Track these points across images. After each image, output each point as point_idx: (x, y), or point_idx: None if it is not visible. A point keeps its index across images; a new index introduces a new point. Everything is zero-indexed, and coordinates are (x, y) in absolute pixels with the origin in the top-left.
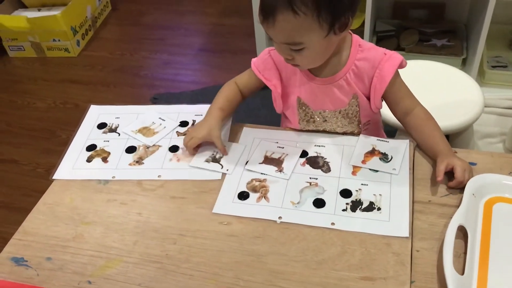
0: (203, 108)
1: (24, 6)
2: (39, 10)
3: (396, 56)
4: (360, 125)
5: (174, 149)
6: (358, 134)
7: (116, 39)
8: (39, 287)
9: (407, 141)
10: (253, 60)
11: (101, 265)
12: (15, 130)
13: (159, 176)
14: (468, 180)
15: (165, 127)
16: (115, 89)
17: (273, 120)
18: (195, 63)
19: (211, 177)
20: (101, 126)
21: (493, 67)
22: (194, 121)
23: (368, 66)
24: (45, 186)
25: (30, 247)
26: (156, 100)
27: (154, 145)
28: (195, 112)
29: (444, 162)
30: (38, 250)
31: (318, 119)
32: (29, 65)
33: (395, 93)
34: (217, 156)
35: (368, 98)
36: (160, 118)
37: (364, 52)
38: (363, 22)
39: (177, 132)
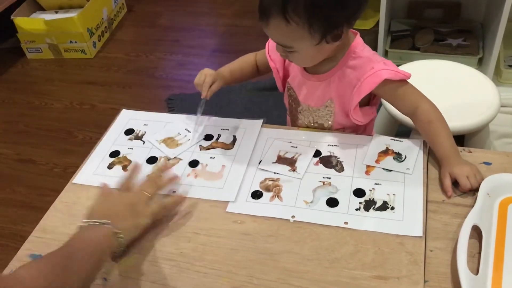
0: (230, 122)
1: (41, 9)
2: (56, 12)
3: (380, 73)
4: (332, 128)
5: (194, 164)
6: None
7: (132, 40)
8: None
9: (421, 140)
10: (268, 42)
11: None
12: (32, 130)
13: (173, 191)
14: (477, 183)
15: (189, 139)
16: (131, 90)
17: (286, 121)
18: (210, 64)
19: (225, 198)
20: (128, 132)
21: (510, 66)
22: (219, 135)
23: (354, 76)
24: (62, 186)
25: (48, 244)
26: (171, 101)
27: (175, 157)
28: (222, 126)
29: (447, 177)
30: (55, 247)
31: (298, 107)
32: (47, 66)
33: (386, 98)
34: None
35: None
36: (186, 129)
37: (355, 60)
38: (378, 22)
39: (200, 146)
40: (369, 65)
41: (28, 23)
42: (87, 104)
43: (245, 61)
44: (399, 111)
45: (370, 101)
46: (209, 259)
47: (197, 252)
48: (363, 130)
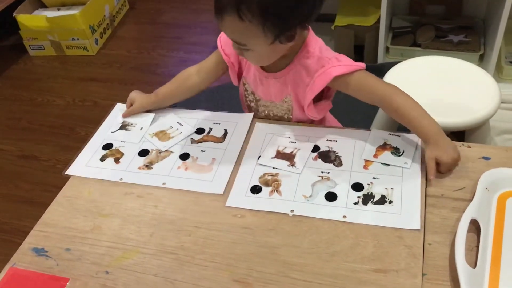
0: (222, 116)
1: (44, 6)
2: (58, 9)
3: (330, 71)
4: (291, 120)
5: (184, 157)
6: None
7: (134, 37)
8: (59, 277)
9: None
10: (219, 37)
11: (118, 256)
12: (35, 127)
13: (163, 183)
14: (455, 165)
15: (181, 132)
16: (133, 87)
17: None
18: None
19: (213, 190)
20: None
21: (511, 62)
22: (210, 128)
23: (306, 74)
24: (65, 182)
25: (50, 238)
26: None
27: (166, 150)
28: (213, 119)
29: (432, 160)
30: (57, 241)
31: (256, 102)
32: (49, 63)
33: (358, 93)
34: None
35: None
36: (178, 122)
37: (309, 60)
38: (379, 19)
39: (191, 139)
40: (320, 63)
41: (30, 20)
42: (89, 100)
43: (179, 81)
44: (368, 101)
45: (324, 94)
46: (209, 253)
47: (198, 246)
48: (318, 123)
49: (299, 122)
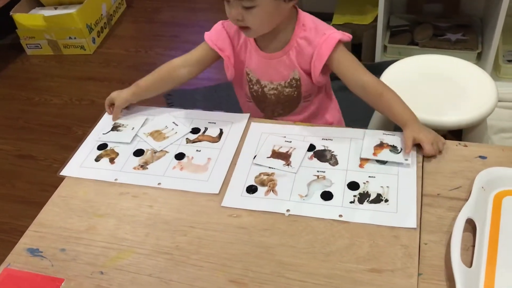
0: (217, 116)
1: (41, 5)
2: (55, 8)
3: (333, 36)
4: (301, 97)
5: (179, 156)
6: (297, 105)
7: (131, 36)
8: (53, 277)
9: None
10: (206, 33)
11: (113, 256)
12: (32, 126)
13: (159, 183)
14: (441, 150)
15: (176, 132)
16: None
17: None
18: None
19: (209, 190)
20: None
21: (509, 61)
22: (206, 128)
23: (308, 45)
24: (61, 181)
25: (45, 239)
26: (170, 96)
27: (161, 150)
28: (209, 119)
29: (410, 139)
30: (52, 241)
31: (264, 88)
32: (46, 62)
33: (339, 69)
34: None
35: (309, 74)
36: (173, 122)
37: (306, 32)
38: (376, 17)
39: (187, 139)
40: (319, 32)
41: (27, 19)
42: (86, 100)
43: (161, 72)
44: (348, 85)
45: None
46: (204, 253)
47: (193, 246)
48: (324, 90)
49: (308, 96)
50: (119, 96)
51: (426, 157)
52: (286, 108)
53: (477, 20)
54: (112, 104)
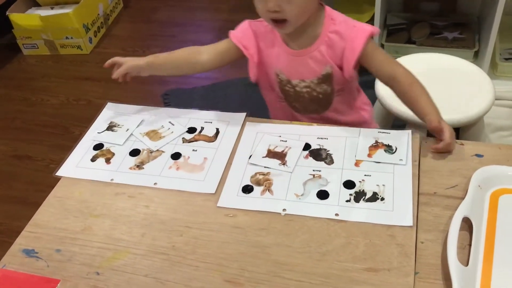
0: (214, 115)
1: (37, 5)
2: (52, 8)
3: (364, 28)
4: (334, 92)
5: (175, 156)
6: (331, 101)
7: (128, 36)
8: (49, 278)
9: (409, 131)
10: (231, 31)
11: (109, 257)
12: (29, 126)
13: (155, 183)
14: (452, 149)
15: (172, 132)
16: (127, 86)
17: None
18: None
19: (205, 190)
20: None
21: (506, 59)
22: (202, 128)
23: (339, 39)
24: (58, 182)
25: (41, 239)
26: (167, 96)
27: (157, 150)
28: (205, 118)
29: (437, 120)
30: (48, 242)
31: (296, 87)
32: (43, 62)
33: (371, 61)
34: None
35: (341, 68)
36: (170, 122)
37: (336, 25)
38: (373, 16)
39: (183, 138)
40: (349, 24)
41: (23, 19)
42: (83, 100)
43: (183, 53)
44: (379, 77)
45: None
46: (201, 253)
47: (189, 246)
48: (355, 87)
49: (341, 90)
50: (132, 59)
51: (435, 151)
52: (321, 106)
53: (474, 19)
54: (114, 65)
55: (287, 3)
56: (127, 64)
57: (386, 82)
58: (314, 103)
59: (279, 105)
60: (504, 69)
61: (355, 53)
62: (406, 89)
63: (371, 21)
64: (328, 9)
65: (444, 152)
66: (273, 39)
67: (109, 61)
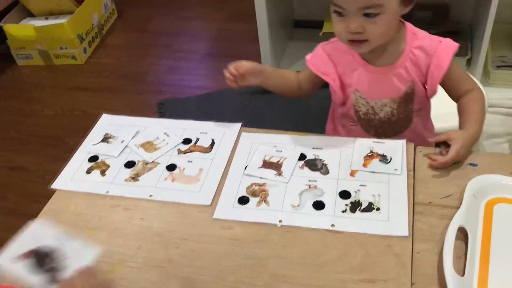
0: (209, 125)
1: (31, 15)
2: (46, 18)
3: (451, 43)
4: (413, 112)
5: (171, 168)
6: (410, 122)
7: (123, 45)
8: None
9: (403, 141)
10: (307, 57)
11: (105, 271)
12: (23, 137)
13: (150, 195)
14: (451, 163)
15: (167, 143)
16: (122, 96)
17: (279, 124)
18: (201, 68)
19: (200, 202)
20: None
21: (498, 67)
22: (198, 139)
23: (424, 54)
24: (53, 193)
25: None
26: (162, 105)
27: (153, 161)
28: (201, 129)
29: (449, 135)
30: None
31: (373, 109)
32: (37, 73)
33: (453, 79)
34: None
35: (423, 85)
36: (165, 133)
37: (419, 40)
38: None
39: (178, 149)
40: (434, 40)
41: (18, 29)
42: (78, 110)
43: (286, 73)
44: (454, 92)
45: None
46: (197, 265)
47: (186, 258)
48: (430, 106)
49: (418, 110)
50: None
51: (432, 163)
52: (399, 127)
53: (466, 27)
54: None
55: (371, 23)
56: (251, 64)
57: (457, 98)
58: (392, 125)
59: (349, 130)
60: (496, 77)
61: (442, 70)
62: (468, 104)
63: None
64: (408, 25)
65: (438, 166)
66: (351, 59)
67: (230, 71)
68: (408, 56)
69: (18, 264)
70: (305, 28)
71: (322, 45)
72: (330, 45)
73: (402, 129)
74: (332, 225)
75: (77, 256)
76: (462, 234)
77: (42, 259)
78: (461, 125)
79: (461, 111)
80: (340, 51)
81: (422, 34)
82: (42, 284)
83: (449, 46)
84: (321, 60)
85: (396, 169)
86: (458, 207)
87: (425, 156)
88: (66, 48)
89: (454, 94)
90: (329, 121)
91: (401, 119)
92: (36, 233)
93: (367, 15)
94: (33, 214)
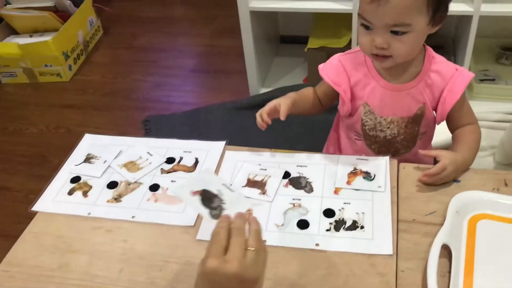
0: (193, 144)
1: (16, 33)
2: (31, 36)
3: (467, 73)
4: (418, 135)
5: (154, 188)
6: (414, 144)
7: (108, 62)
8: None
9: (387, 157)
10: (320, 66)
11: None
12: (7, 156)
13: (133, 217)
14: (439, 182)
15: (151, 162)
16: (107, 113)
17: (265, 139)
18: (187, 84)
19: (184, 222)
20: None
21: (481, 80)
22: (181, 158)
23: (439, 79)
24: (35, 213)
25: (15, 278)
26: (148, 122)
27: (135, 181)
28: (184, 148)
29: (440, 152)
30: (23, 281)
31: (380, 125)
32: (22, 91)
33: (460, 110)
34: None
35: (433, 110)
36: (148, 152)
37: (437, 65)
38: (350, 41)
39: (161, 169)
40: (452, 66)
41: (2, 47)
42: (63, 128)
43: (307, 92)
44: (454, 123)
45: None
46: None
47: (168, 281)
48: (433, 134)
49: (423, 134)
50: (280, 101)
51: (428, 176)
52: (403, 147)
53: (449, 41)
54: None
55: (397, 41)
56: (285, 103)
57: (454, 129)
58: (395, 144)
59: (351, 145)
60: (479, 90)
61: (455, 96)
62: (463, 133)
63: (348, 46)
64: (429, 48)
65: (425, 178)
66: (366, 72)
67: (267, 110)
68: (424, 78)
69: (193, 197)
70: (290, 43)
71: (339, 55)
72: (347, 56)
73: (405, 150)
74: (317, 244)
75: (235, 203)
76: (446, 251)
77: (209, 198)
78: (453, 150)
79: (456, 139)
80: (355, 63)
81: (440, 58)
82: (208, 216)
83: (465, 74)
84: (335, 69)
85: (379, 186)
86: (442, 224)
87: (409, 172)
88: (51, 66)
89: (454, 124)
90: (333, 131)
91: (406, 139)
92: (205, 179)
93: (394, 32)
94: (16, 235)
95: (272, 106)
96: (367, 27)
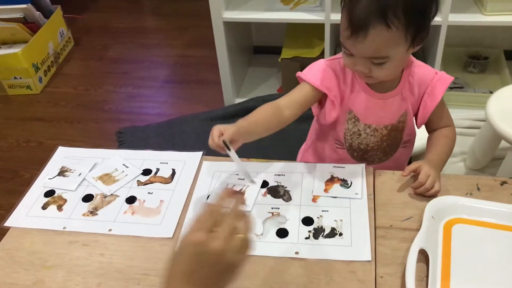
0: (169, 155)
1: None
2: None
3: (446, 76)
4: (401, 143)
5: (131, 200)
6: (395, 152)
7: (80, 74)
8: None
9: (363, 165)
10: (305, 73)
11: None
12: None
13: (110, 230)
14: (431, 185)
15: (127, 174)
16: (79, 125)
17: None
18: (161, 95)
19: (162, 234)
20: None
21: (451, 88)
22: (158, 169)
23: (419, 83)
24: (8, 230)
25: None
26: (121, 134)
27: (111, 194)
28: (161, 159)
29: (416, 164)
30: None
31: (364, 133)
32: None
33: (439, 112)
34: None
35: (414, 115)
36: (124, 164)
37: (416, 68)
38: (323, 51)
39: (138, 181)
40: (431, 70)
41: None
42: (34, 141)
43: (264, 112)
44: (432, 126)
45: None
46: None
47: None
48: (414, 141)
49: (407, 141)
50: (224, 128)
51: (415, 192)
52: (384, 155)
53: (419, 50)
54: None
55: (377, 68)
56: (228, 132)
57: (432, 130)
58: (378, 152)
59: (333, 153)
60: (449, 98)
61: (435, 99)
62: (438, 137)
63: (321, 55)
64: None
65: (422, 192)
66: (353, 78)
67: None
68: (405, 83)
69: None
70: (264, 54)
71: (325, 61)
72: (334, 62)
73: (387, 157)
74: (296, 253)
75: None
76: (423, 256)
77: None
78: (426, 153)
79: (430, 142)
80: (342, 69)
81: (419, 62)
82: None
83: (445, 78)
84: (326, 75)
85: (356, 193)
86: (419, 229)
87: (385, 179)
88: (20, 78)
89: (432, 126)
90: (311, 141)
91: (389, 147)
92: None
93: (375, 62)
94: None
95: (218, 130)
96: (350, 54)
